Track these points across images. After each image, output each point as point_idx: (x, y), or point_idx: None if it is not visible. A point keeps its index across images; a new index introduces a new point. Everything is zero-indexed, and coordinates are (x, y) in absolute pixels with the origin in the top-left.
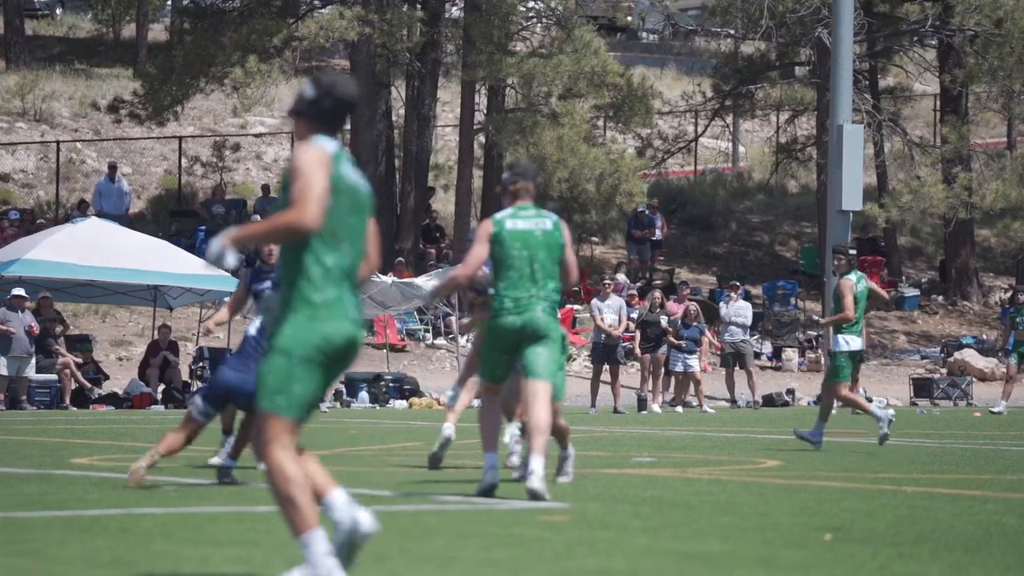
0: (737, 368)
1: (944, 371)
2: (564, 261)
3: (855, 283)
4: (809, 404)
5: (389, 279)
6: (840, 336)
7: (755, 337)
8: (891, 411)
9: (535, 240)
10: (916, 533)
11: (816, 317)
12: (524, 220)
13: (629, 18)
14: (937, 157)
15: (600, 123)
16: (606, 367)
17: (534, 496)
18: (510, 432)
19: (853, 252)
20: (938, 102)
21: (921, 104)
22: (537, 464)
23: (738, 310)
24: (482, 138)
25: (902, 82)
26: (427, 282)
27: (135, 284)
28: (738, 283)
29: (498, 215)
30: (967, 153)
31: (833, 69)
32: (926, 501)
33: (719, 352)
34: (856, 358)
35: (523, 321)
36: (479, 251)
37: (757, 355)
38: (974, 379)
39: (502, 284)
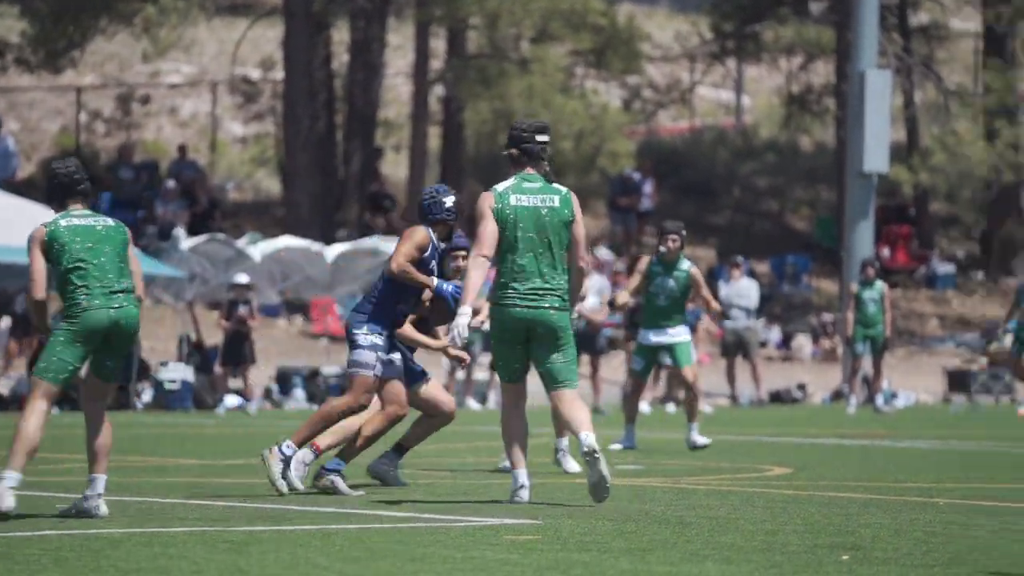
0: (739, 358)
1: (984, 362)
2: (573, 238)
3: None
4: (824, 402)
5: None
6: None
7: (761, 322)
8: (617, 446)
9: (543, 221)
10: (951, 553)
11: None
12: (529, 195)
13: None
14: (978, 108)
15: (579, 71)
16: (585, 358)
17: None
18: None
19: (684, 233)
20: (980, 43)
21: (959, 46)
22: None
23: (741, 290)
24: (439, 89)
25: (937, 19)
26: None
27: (25, 264)
28: (741, 259)
29: (500, 187)
30: (1013, 104)
31: (855, 4)
32: (962, 515)
33: (718, 340)
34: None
35: (533, 316)
36: (491, 228)
37: (763, 343)
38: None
39: (505, 273)
